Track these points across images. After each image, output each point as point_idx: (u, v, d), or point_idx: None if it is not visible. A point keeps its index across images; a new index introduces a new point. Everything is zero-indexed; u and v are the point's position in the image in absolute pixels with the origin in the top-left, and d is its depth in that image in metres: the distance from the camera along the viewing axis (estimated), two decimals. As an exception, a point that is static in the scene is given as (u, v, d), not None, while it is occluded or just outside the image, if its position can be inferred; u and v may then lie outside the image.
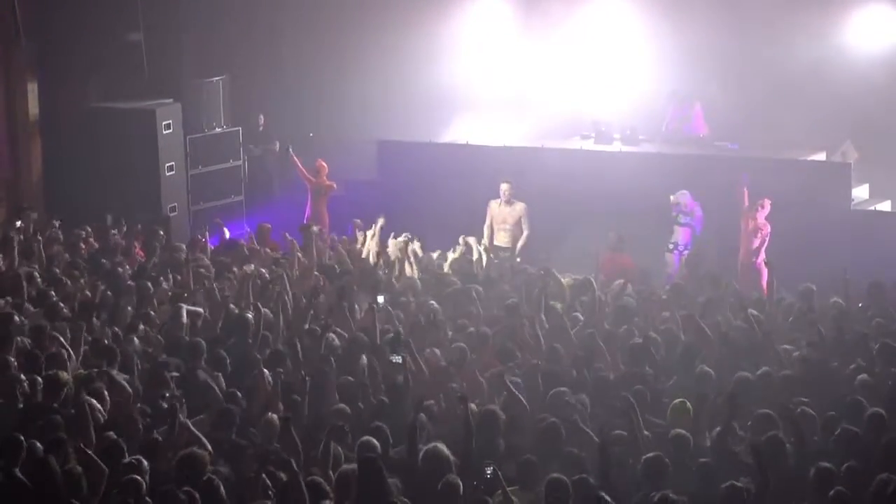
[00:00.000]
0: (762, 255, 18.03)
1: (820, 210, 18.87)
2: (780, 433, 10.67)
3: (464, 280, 16.31)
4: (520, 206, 19.52)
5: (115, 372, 12.21)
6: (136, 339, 13.47)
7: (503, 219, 19.46)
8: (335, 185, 21.44)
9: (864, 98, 20.61)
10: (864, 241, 18.33)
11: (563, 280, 16.37)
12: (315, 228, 17.97)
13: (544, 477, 10.00)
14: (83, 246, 18.05)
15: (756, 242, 18.13)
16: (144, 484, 9.78)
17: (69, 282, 15.74)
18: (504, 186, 19.51)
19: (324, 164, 21.54)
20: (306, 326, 14.00)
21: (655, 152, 21.13)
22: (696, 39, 21.83)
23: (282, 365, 12.66)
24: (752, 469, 9.95)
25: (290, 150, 21.96)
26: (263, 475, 9.95)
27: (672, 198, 18.97)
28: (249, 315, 13.80)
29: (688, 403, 11.45)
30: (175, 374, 12.36)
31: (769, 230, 18.18)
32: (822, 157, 20.72)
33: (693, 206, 18.96)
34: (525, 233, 19.47)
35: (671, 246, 19.09)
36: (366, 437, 10.53)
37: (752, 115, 21.76)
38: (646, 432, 11.03)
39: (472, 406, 11.22)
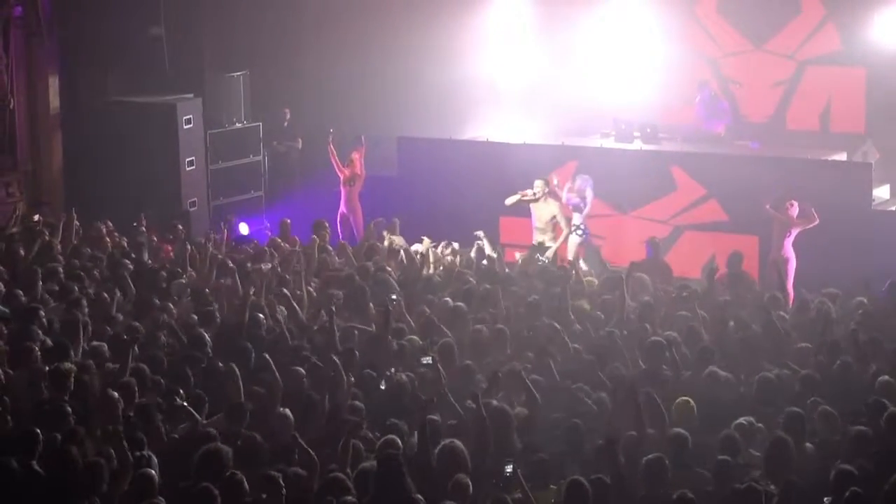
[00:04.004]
0: (788, 250, 18.09)
1: (840, 210, 18.79)
2: (785, 434, 10.62)
3: (481, 278, 16.27)
4: (553, 205, 19.31)
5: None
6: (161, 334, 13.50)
7: (538, 217, 19.30)
8: (362, 174, 21.46)
9: (885, 97, 20.59)
10: (885, 242, 18.28)
11: (584, 279, 16.34)
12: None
13: (557, 475, 9.99)
14: (108, 240, 18.07)
15: (786, 240, 18.16)
16: (156, 478, 9.79)
17: (88, 276, 15.76)
18: (537, 183, 19.35)
19: (357, 155, 21.54)
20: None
21: (673, 150, 21.10)
22: (712, 36, 21.99)
23: (298, 361, 12.65)
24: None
25: (331, 137, 21.90)
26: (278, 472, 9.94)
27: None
28: (260, 315, 13.83)
29: (691, 402, 11.45)
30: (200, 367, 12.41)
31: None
32: (842, 157, 20.67)
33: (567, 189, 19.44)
34: (564, 231, 19.17)
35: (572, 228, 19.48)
36: (389, 436, 10.55)
37: (770, 112, 21.85)
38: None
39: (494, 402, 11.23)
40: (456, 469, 9.94)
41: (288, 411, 11.13)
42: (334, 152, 21.69)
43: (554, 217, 19.21)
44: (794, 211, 18.31)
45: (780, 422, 11.05)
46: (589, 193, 19.41)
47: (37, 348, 12.64)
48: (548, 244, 18.97)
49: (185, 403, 11.35)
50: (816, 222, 18.11)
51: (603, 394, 11.82)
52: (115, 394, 11.25)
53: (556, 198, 19.44)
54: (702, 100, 21.80)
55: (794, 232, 18.24)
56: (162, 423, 11.08)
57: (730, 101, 21.98)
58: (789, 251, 18.21)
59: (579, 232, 19.35)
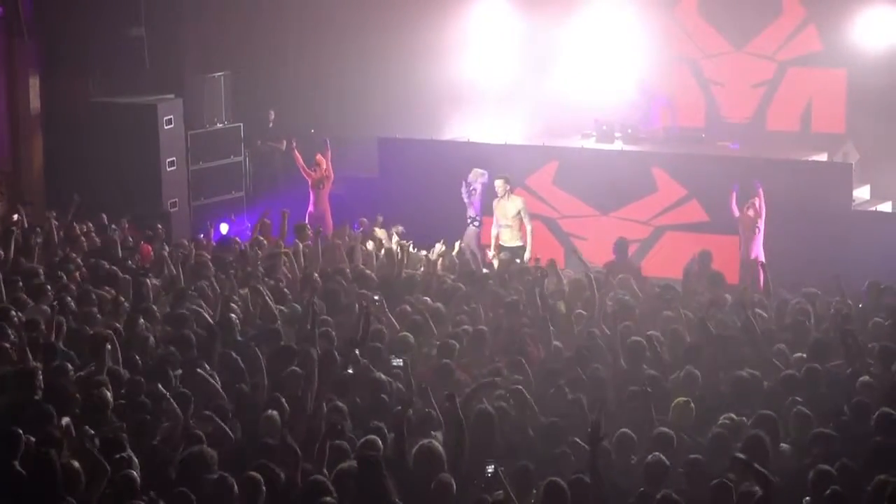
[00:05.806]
0: (760, 251, 18.15)
1: (821, 210, 18.89)
2: (761, 432, 10.62)
3: (460, 279, 16.26)
4: (517, 200, 19.45)
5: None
6: (151, 336, 13.45)
7: (503, 215, 19.39)
8: (331, 175, 21.47)
9: (865, 98, 20.65)
10: (864, 242, 18.33)
11: (564, 279, 16.35)
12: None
13: (538, 482, 9.99)
14: (84, 240, 18.01)
15: (755, 237, 18.24)
16: (137, 480, 9.75)
17: (66, 277, 15.71)
18: (498, 182, 19.48)
19: (322, 158, 21.56)
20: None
21: (654, 151, 21.14)
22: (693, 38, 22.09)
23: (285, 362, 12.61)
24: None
25: (294, 144, 22.02)
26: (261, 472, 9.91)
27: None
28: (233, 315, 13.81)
29: (691, 402, 11.44)
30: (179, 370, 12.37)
31: (763, 221, 18.36)
32: (823, 157, 20.74)
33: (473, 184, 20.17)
34: (527, 227, 19.32)
35: (468, 220, 20.11)
36: (370, 437, 10.50)
37: (751, 113, 21.94)
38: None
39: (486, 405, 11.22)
40: (434, 470, 9.93)
41: (275, 414, 11.10)
42: (299, 157, 21.75)
43: (519, 212, 19.34)
44: (761, 200, 18.38)
45: (751, 422, 11.09)
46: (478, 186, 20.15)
47: (8, 346, 12.61)
48: (519, 243, 19.14)
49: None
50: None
51: (581, 395, 11.79)
52: (109, 393, 11.24)
53: (519, 193, 19.81)
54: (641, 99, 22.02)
55: (761, 230, 18.33)
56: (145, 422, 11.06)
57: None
58: (759, 251, 18.28)
59: (476, 223, 20.14)
